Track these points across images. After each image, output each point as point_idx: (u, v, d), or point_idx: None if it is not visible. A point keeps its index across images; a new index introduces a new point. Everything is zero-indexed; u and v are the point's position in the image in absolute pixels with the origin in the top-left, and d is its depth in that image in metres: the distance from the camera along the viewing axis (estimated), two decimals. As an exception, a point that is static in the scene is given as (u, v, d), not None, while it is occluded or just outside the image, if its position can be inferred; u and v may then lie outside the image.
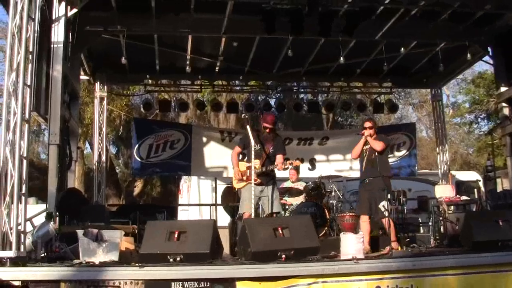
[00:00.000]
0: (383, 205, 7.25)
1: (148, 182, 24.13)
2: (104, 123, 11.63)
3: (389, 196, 7.29)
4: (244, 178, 7.23)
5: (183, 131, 12.26)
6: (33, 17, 6.08)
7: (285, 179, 10.44)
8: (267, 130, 7.28)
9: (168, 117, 20.36)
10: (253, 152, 6.78)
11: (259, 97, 16.40)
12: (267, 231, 5.65)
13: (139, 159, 11.86)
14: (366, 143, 7.62)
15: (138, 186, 23.32)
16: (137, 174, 16.10)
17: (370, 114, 23.60)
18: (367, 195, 7.53)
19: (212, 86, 12.59)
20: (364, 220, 7.57)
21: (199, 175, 13.06)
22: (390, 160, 12.49)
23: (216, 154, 12.14)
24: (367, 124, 7.74)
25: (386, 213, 7.18)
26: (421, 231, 12.71)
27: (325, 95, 13.62)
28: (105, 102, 11.76)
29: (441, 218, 9.26)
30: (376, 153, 7.48)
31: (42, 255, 5.68)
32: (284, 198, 9.41)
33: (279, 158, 7.22)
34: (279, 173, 12.05)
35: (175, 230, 5.58)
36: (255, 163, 6.98)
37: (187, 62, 10.74)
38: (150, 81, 12.26)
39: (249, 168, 7.09)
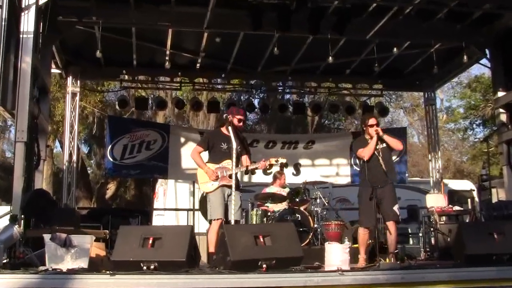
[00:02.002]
0: (398, 208, 7.19)
1: (121, 185, 23.96)
2: (76, 120, 11.54)
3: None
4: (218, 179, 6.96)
5: (160, 131, 12.22)
6: (0, 4, 6.01)
7: (266, 184, 10.47)
8: (240, 125, 7.11)
9: (145, 115, 20.29)
10: (234, 153, 6.70)
11: (242, 97, 16.38)
12: (247, 238, 5.64)
13: (112, 160, 11.78)
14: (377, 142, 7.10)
15: (111, 188, 23.12)
16: (110, 176, 16.03)
17: (358, 117, 23.75)
18: (376, 205, 7.01)
19: (192, 84, 12.55)
20: (365, 232, 7.29)
21: (177, 178, 13.02)
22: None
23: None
24: (373, 121, 7.23)
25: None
26: (411, 242, 12.82)
27: (312, 96, 13.67)
28: (77, 98, 11.66)
29: (432, 229, 9.36)
30: (389, 154, 7.18)
31: (5, 261, 5.58)
32: (266, 204, 9.44)
33: (244, 159, 7.09)
34: (261, 178, 12.28)
35: (149, 236, 5.54)
36: (227, 164, 6.92)
37: (166, 58, 10.70)
38: (126, 76, 12.18)
39: (223, 169, 6.93)
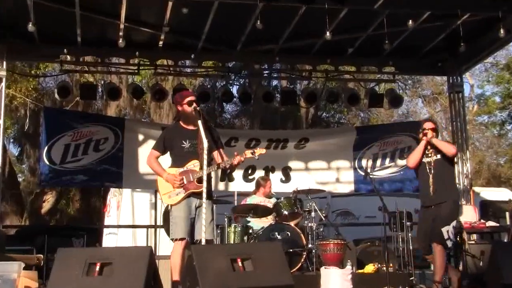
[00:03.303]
0: (447, 230, 7.35)
1: (62, 196, 23.88)
2: (1, 113, 11.48)
3: (455, 223, 7.38)
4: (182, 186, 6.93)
5: (112, 127, 12.19)
6: None
7: (248, 193, 10.53)
8: (194, 108, 7.03)
9: (93, 107, 20.26)
10: (205, 154, 6.71)
11: (217, 83, 16.45)
12: (222, 263, 5.69)
13: (50, 164, 11.71)
14: (428, 152, 7.68)
15: (49, 200, 23.00)
16: (48, 185, 15.89)
17: (364, 108, 23.96)
18: (428, 224, 7.57)
19: (153, 67, 12.55)
20: (439, 249, 7.58)
21: (134, 186, 13.03)
22: (390, 170, 12.84)
23: (160, 159, 12.14)
24: (428, 125, 7.85)
25: (449, 243, 7.26)
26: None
27: (305, 82, 13.73)
28: (3, 84, 11.59)
29: (459, 251, 9.45)
30: (444, 168, 7.58)
31: None
32: (247, 219, 9.51)
33: (216, 156, 7.09)
34: (241, 185, 12.32)
35: (96, 261, 5.57)
36: (194, 165, 6.94)
37: (120, 34, 10.67)
38: (68, 57, 12.12)
39: (188, 172, 6.90)
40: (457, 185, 12.54)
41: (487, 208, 15.49)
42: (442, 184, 7.60)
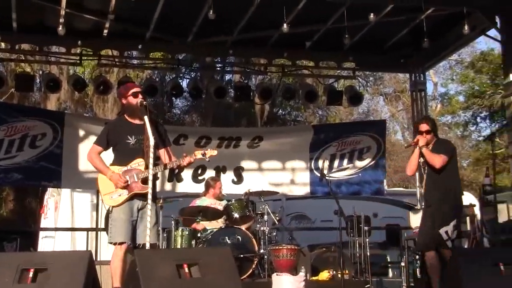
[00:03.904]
0: (445, 231, 7.43)
1: (-6, 196, 23.58)
2: None
3: (454, 222, 7.47)
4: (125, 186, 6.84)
5: (51, 121, 12.03)
6: None
7: (197, 195, 10.51)
8: (140, 100, 7.00)
9: (30, 100, 19.99)
10: (152, 152, 6.68)
11: (166, 77, 16.37)
12: (168, 268, 5.65)
13: (-20, 162, 11.58)
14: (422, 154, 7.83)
15: (-21, 201, 22.74)
16: (-22, 183, 15.65)
17: (323, 106, 24.11)
18: (429, 223, 7.68)
19: (97, 58, 12.45)
20: (432, 256, 7.63)
21: (73, 186, 12.91)
22: (348, 172, 12.92)
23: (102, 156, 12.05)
24: (424, 127, 7.90)
25: (449, 243, 7.35)
26: (390, 274, 13.13)
27: (260, 77, 13.77)
28: None
29: (417, 257, 9.58)
30: (434, 169, 7.73)
31: None
32: (196, 222, 9.49)
33: (162, 153, 7.03)
34: (189, 186, 12.29)
35: (30, 267, 5.48)
36: (139, 163, 6.90)
37: (61, 20, 10.56)
38: (2, 45, 11.98)
39: (132, 172, 6.81)
40: (451, 187, 12.72)
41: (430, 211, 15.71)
42: (432, 184, 7.79)
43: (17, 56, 12.81)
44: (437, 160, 7.66)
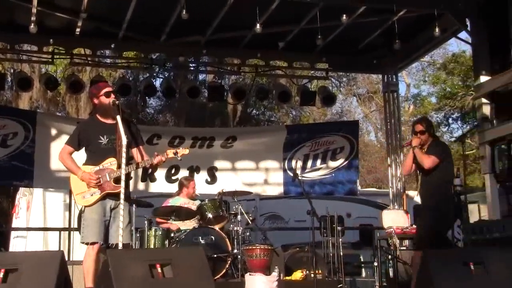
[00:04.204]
0: (453, 232, 7.54)
1: (-35, 195, 23.35)
2: None
3: (458, 222, 7.55)
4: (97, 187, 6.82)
5: (22, 120, 11.95)
6: None
7: (170, 195, 10.49)
8: (112, 99, 6.88)
9: (1, 98, 19.81)
10: (124, 152, 6.65)
11: (140, 76, 16.30)
12: (140, 268, 5.63)
13: (-50, 161, 11.48)
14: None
15: (-52, 200, 22.50)
16: None
17: (296, 106, 24.13)
18: (431, 223, 7.82)
19: (69, 56, 12.37)
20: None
21: (46, 186, 12.84)
22: (322, 172, 12.97)
23: (74, 156, 11.97)
24: (418, 127, 8.05)
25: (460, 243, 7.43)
26: (363, 274, 13.20)
27: (233, 77, 13.75)
28: None
29: (390, 257, 9.64)
30: (430, 172, 7.86)
31: None
32: (169, 222, 9.47)
33: (135, 153, 7.03)
34: (163, 186, 12.26)
35: (0, 267, 5.45)
36: (111, 163, 6.88)
37: (33, 18, 10.45)
38: (-28, 42, 11.87)
39: (105, 171, 6.79)
40: (442, 189, 12.80)
41: (419, 213, 15.84)
42: (425, 185, 8.02)
43: (-13, 54, 12.68)
44: (426, 161, 7.78)
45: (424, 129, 7.98)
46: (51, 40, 11.74)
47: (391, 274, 9.61)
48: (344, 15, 10.62)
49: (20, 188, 14.78)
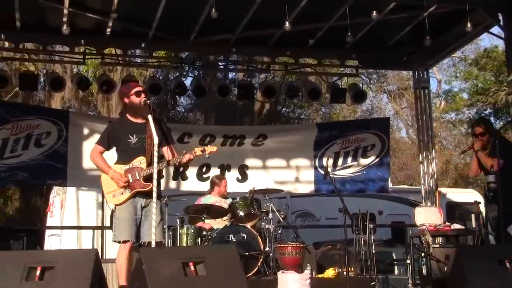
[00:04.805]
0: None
1: (0, 194, 23.58)
2: None
3: None
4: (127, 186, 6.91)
5: (55, 120, 12.05)
6: None
7: (202, 193, 10.52)
8: (143, 99, 6.97)
9: (34, 98, 20.01)
10: (156, 150, 6.70)
11: (170, 75, 16.37)
12: (173, 267, 5.68)
13: (-14, 160, 11.61)
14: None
15: (-15, 199, 22.78)
16: (-16, 182, 15.73)
17: (326, 104, 24.05)
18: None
19: (100, 56, 12.47)
20: None
21: (79, 185, 12.95)
22: (353, 170, 12.94)
23: (105, 155, 12.05)
24: (478, 129, 8.07)
25: None
26: (396, 271, 13.14)
27: (263, 75, 13.75)
28: None
29: (423, 255, 9.58)
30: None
31: None
32: (201, 220, 9.51)
33: (166, 150, 7.09)
34: (194, 184, 12.31)
35: (37, 265, 5.51)
36: (140, 161, 6.91)
37: (64, 19, 10.56)
38: (6, 44, 12.00)
39: (134, 170, 6.87)
40: (422, 186, 12.72)
41: (453, 210, 15.75)
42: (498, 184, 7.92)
43: (21, 55, 12.83)
44: (490, 165, 7.77)
45: (483, 130, 7.98)
46: (83, 40, 11.81)
47: (424, 271, 9.55)
48: (374, 12, 10.58)
49: (54, 187, 14.94)
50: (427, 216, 10.46)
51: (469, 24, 10.25)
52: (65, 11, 10.41)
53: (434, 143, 13.15)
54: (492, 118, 27.76)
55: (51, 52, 12.58)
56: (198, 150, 6.98)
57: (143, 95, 6.99)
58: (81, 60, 12.54)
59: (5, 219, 23.60)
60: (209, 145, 7.23)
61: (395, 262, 13.35)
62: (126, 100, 7.08)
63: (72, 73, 13.44)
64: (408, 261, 10.04)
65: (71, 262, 5.71)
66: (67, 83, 12.79)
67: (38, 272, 5.46)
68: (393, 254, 13.46)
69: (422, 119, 13.16)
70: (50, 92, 17.30)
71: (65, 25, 10.48)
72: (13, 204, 24.32)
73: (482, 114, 28.05)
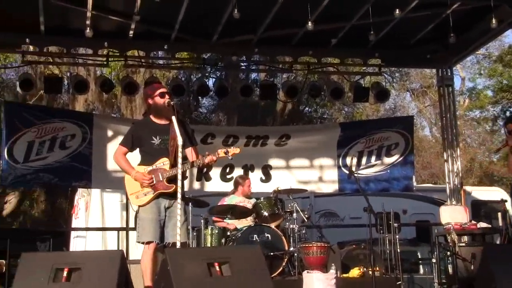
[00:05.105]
0: None
1: (26, 196, 23.75)
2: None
3: None
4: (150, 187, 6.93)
5: (79, 122, 12.14)
6: None
7: (225, 193, 10.54)
8: (167, 100, 6.99)
9: (58, 101, 20.15)
10: (180, 151, 6.72)
11: (192, 76, 16.40)
12: (198, 267, 5.70)
13: (12, 163, 11.63)
14: None
15: (11, 201, 22.90)
16: (9, 184, 15.79)
17: (349, 103, 24.00)
18: None
19: (124, 58, 12.53)
20: None
21: (103, 186, 13.01)
22: (377, 169, 12.91)
23: (129, 157, 12.11)
24: (511, 126, 8.18)
25: None
26: (421, 271, 13.09)
27: (285, 75, 13.73)
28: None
29: (449, 254, 9.54)
30: None
31: None
32: (225, 221, 9.53)
33: (189, 152, 7.10)
34: (218, 185, 12.34)
35: (64, 266, 5.56)
36: (164, 163, 6.92)
37: (87, 22, 10.63)
38: (31, 47, 12.07)
39: (158, 171, 6.89)
40: (447, 184, 12.67)
41: (479, 209, 15.66)
42: None
43: (45, 59, 12.89)
44: None
45: None
46: (106, 43, 11.85)
47: (450, 270, 9.50)
48: (397, 10, 10.54)
49: (78, 189, 15.04)
50: (453, 215, 10.42)
51: (494, 21, 10.18)
52: (88, 14, 10.47)
53: (458, 141, 13.08)
54: (517, 115, 27.65)
55: (75, 55, 12.66)
56: (221, 152, 6.99)
57: (167, 96, 7.01)
58: (105, 63, 12.61)
59: (31, 221, 23.80)
60: (232, 147, 7.25)
61: (420, 261, 13.30)
62: (150, 101, 7.12)
63: (96, 76, 13.49)
64: (434, 260, 10.03)
65: (97, 263, 5.75)
66: (91, 86, 12.86)
67: (65, 273, 5.51)
68: (418, 253, 13.42)
69: (446, 117, 13.11)
70: (74, 95, 17.41)
71: (88, 28, 10.55)
72: (38, 206, 24.50)
73: (507, 112, 27.88)
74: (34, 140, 11.67)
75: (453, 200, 12.53)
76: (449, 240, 9.66)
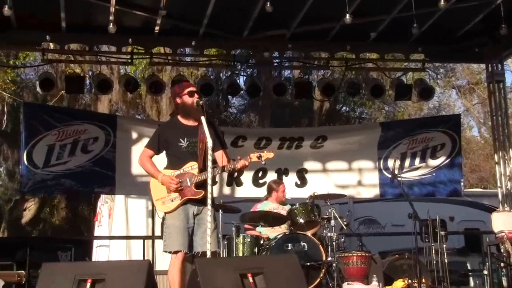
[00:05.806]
0: None
1: (46, 203, 23.95)
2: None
3: None
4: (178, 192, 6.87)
5: (103, 125, 12.22)
6: None
7: (258, 199, 10.53)
8: (196, 99, 6.95)
9: (80, 102, 20.30)
10: (210, 154, 6.70)
11: (221, 74, 16.43)
12: (230, 278, 5.69)
13: (32, 168, 11.73)
14: None
15: (30, 208, 23.12)
16: (29, 191, 15.93)
17: (390, 101, 23.82)
18: None
19: (149, 56, 12.59)
20: None
21: (128, 192, 13.11)
22: (421, 171, 12.81)
23: (155, 160, 12.14)
24: None
25: None
26: (471, 283, 12.96)
27: (321, 72, 13.70)
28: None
29: (503, 265, 9.44)
30: None
31: None
32: (257, 229, 9.51)
33: (219, 155, 7.03)
34: (250, 190, 12.34)
35: (87, 277, 5.58)
36: (192, 167, 6.87)
37: (111, 18, 10.69)
38: (51, 45, 12.16)
39: (185, 176, 6.84)
40: (499, 189, 12.53)
41: None
42: None
43: (66, 57, 13.00)
44: None
45: None
46: (130, 39, 11.92)
47: (504, 283, 9.40)
48: (442, 0, 10.45)
49: (102, 195, 15.12)
50: (506, 222, 10.28)
51: (549, 10, 10.12)
52: (112, 9, 10.52)
53: (511, 142, 12.91)
54: None
55: (98, 53, 12.73)
56: (253, 156, 6.92)
57: (196, 96, 7.00)
58: (129, 60, 12.68)
59: (51, 229, 23.98)
60: (265, 151, 7.19)
61: (470, 273, 13.19)
62: (178, 100, 7.09)
63: (120, 74, 13.57)
64: (486, 272, 9.93)
65: (122, 274, 5.76)
66: (114, 85, 12.92)
67: (88, 285, 5.53)
68: (468, 264, 13.32)
69: (497, 116, 12.98)
70: (96, 95, 17.52)
71: (111, 24, 10.59)
72: (59, 213, 24.67)
73: None
74: (54, 144, 11.75)
75: (506, 206, 12.38)
76: (502, 250, 9.54)
